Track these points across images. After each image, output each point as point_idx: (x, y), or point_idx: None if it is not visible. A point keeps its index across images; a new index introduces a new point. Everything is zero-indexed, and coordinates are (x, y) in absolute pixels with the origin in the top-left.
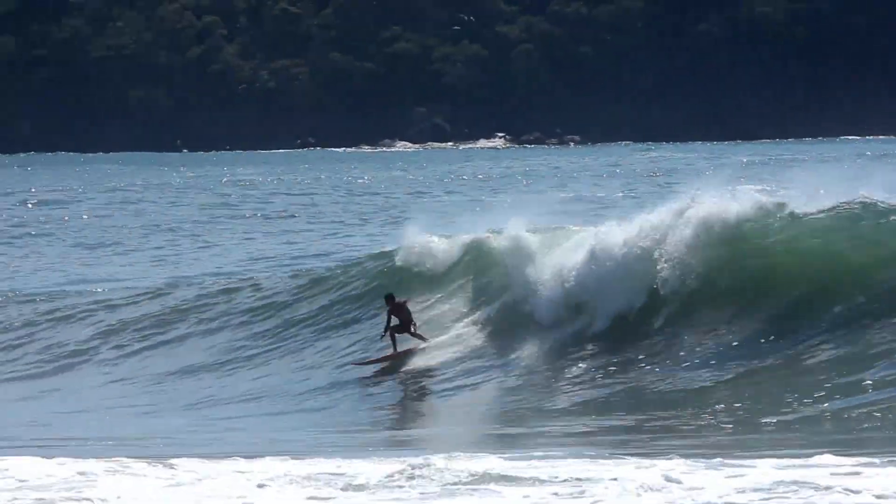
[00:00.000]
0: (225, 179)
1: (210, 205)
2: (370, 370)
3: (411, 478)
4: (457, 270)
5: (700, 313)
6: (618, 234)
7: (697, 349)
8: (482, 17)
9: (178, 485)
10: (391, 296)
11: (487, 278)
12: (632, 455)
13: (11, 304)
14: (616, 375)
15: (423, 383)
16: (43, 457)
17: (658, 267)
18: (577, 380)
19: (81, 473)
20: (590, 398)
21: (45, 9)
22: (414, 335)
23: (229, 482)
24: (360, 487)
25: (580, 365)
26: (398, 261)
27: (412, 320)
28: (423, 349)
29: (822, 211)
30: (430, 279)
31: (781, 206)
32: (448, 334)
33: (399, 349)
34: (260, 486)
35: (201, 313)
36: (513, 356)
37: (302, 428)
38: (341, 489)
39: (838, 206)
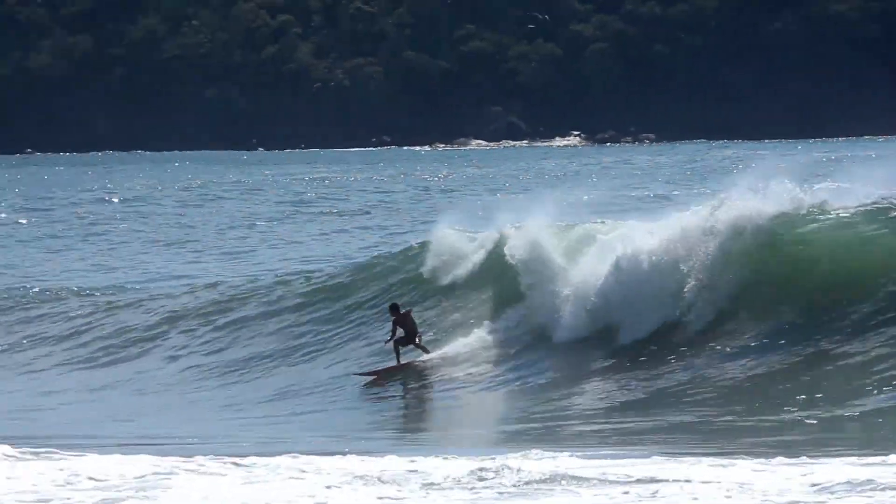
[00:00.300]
0: (301, 177)
1: (286, 202)
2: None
3: (482, 478)
4: (491, 263)
5: (750, 308)
6: (647, 238)
7: (755, 344)
8: (556, 15)
9: (250, 483)
10: (396, 306)
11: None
12: (704, 454)
13: (87, 298)
14: (678, 370)
15: (488, 380)
16: (122, 454)
17: (698, 265)
18: (641, 375)
19: (157, 473)
20: (655, 394)
21: (121, 8)
22: (418, 346)
23: (301, 481)
24: (434, 487)
25: (640, 360)
26: (427, 257)
27: (417, 332)
28: (426, 361)
29: (863, 205)
30: (463, 274)
31: (817, 200)
32: (492, 329)
33: (402, 361)
34: (331, 486)
35: (270, 301)
36: (567, 351)
37: (376, 423)
38: (416, 489)
39: (879, 201)
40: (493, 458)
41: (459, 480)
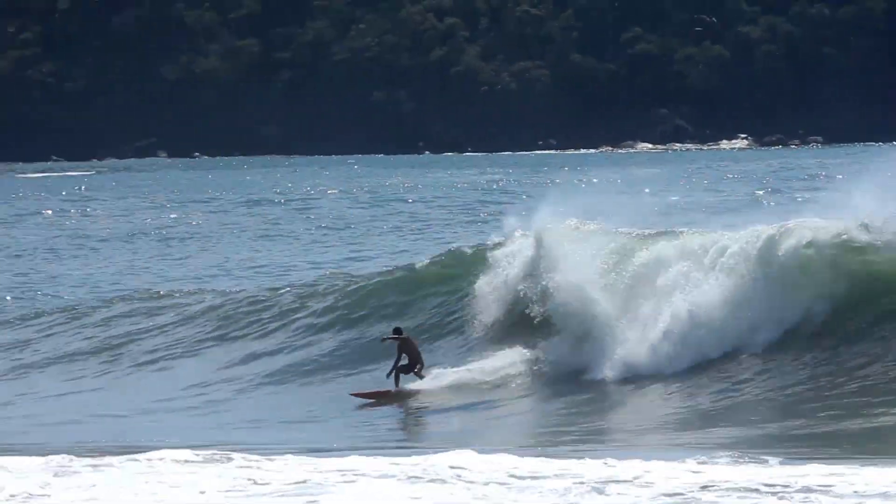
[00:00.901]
0: (468, 180)
1: (454, 205)
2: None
3: (630, 487)
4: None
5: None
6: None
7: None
8: (724, 17)
9: (411, 483)
10: (400, 329)
11: None
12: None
13: (245, 294)
14: (801, 376)
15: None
16: (292, 454)
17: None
18: (754, 383)
19: (320, 482)
20: (782, 400)
21: (289, 11)
22: (416, 374)
23: (464, 483)
24: (595, 490)
25: (764, 366)
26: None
27: (420, 359)
28: (419, 391)
29: None
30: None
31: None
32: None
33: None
34: (485, 496)
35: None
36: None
37: (539, 422)
38: (585, 491)
39: None
40: (637, 462)
41: (670, 484)
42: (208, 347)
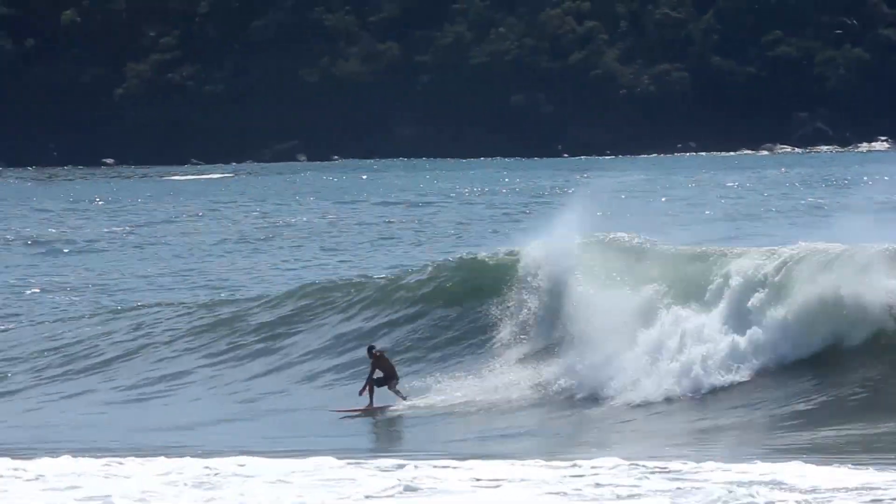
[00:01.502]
0: (613, 182)
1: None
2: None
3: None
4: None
5: None
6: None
7: None
8: (864, 20)
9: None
10: (372, 347)
11: None
12: None
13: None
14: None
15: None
16: (455, 459)
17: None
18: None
19: (484, 482)
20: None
21: (428, 14)
22: (393, 391)
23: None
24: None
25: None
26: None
27: (395, 374)
28: (398, 408)
29: None
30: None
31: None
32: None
33: (376, 404)
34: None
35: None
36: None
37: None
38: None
39: None
40: (754, 464)
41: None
42: (326, 329)
